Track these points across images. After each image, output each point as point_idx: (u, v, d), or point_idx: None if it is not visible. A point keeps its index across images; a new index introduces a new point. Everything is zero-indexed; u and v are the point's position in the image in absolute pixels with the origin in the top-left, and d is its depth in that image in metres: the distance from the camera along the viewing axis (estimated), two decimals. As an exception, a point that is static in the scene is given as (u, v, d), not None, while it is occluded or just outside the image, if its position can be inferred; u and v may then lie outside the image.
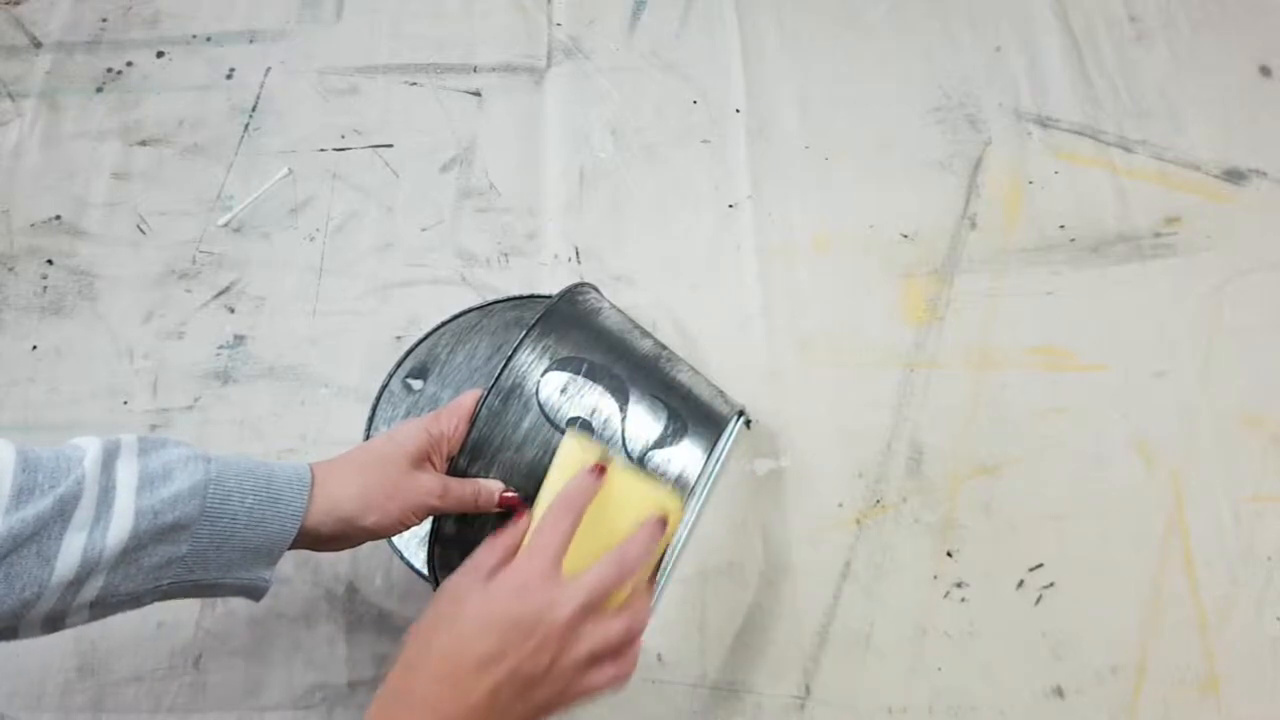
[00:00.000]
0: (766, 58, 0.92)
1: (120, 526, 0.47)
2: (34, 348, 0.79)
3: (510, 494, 0.58)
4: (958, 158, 0.87)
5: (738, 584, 0.71)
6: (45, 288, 0.82)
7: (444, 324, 0.75)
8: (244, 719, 0.67)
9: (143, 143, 0.88)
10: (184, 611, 0.70)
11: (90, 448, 0.49)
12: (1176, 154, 0.87)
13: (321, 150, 0.88)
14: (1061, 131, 0.88)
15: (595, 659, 0.49)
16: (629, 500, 0.54)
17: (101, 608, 0.49)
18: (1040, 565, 0.72)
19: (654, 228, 0.85)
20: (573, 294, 0.65)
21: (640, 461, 0.59)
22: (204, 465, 0.51)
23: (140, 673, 0.68)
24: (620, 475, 0.55)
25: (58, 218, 0.85)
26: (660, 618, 0.70)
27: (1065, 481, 0.74)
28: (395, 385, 0.74)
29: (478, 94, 0.91)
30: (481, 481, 0.59)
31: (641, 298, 0.81)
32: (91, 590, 0.48)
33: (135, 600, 0.50)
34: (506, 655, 0.47)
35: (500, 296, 0.78)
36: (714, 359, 0.79)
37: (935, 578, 0.71)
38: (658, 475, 0.59)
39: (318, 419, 0.77)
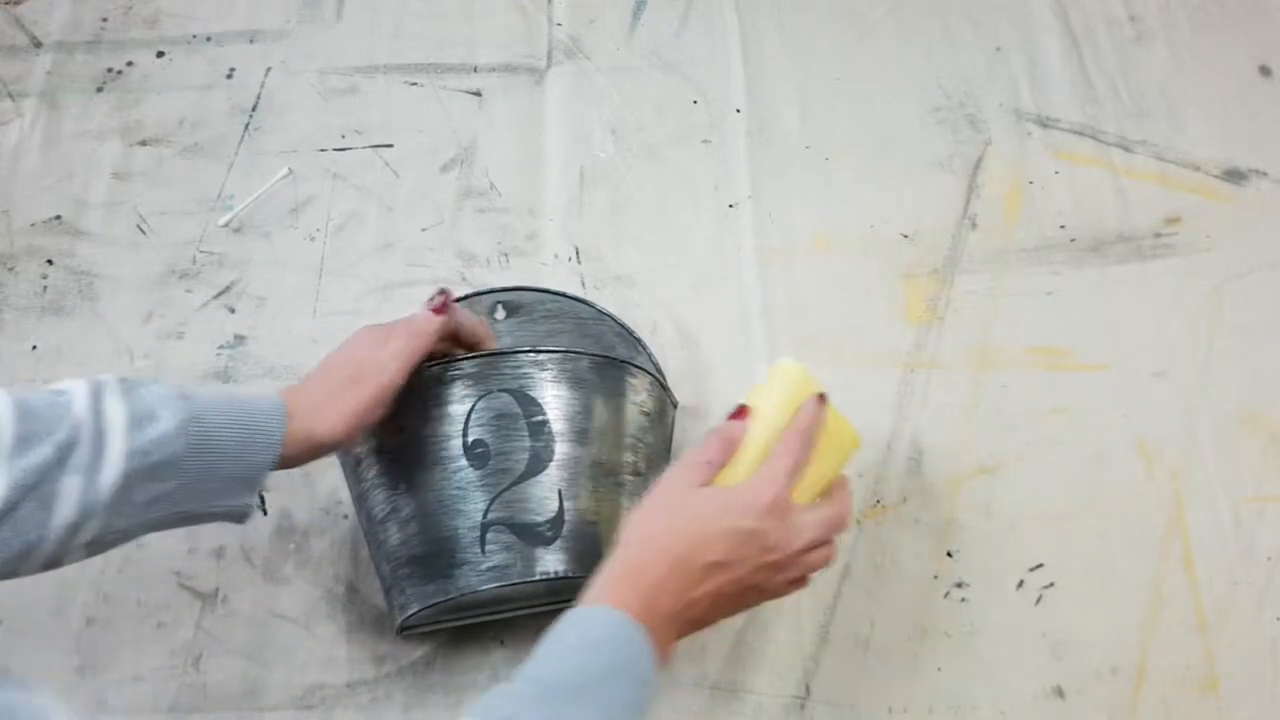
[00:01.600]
0: (766, 58, 0.92)
1: (113, 468, 0.49)
2: (34, 348, 0.79)
3: (435, 304, 0.62)
4: (958, 158, 0.87)
5: (738, 584, 0.71)
6: (45, 288, 0.82)
7: None
8: (244, 719, 0.67)
9: (143, 143, 0.88)
10: (184, 611, 0.70)
11: (78, 393, 0.50)
12: (1176, 154, 0.87)
13: (321, 150, 0.88)
14: (1061, 131, 0.88)
15: (799, 578, 0.55)
16: (833, 431, 0.58)
17: (98, 546, 0.52)
18: (1040, 565, 0.72)
19: (654, 228, 0.85)
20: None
21: None
22: (185, 404, 0.53)
23: (140, 673, 0.68)
24: (828, 409, 0.58)
25: (58, 218, 0.85)
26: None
27: (1065, 481, 0.74)
28: None
29: (478, 94, 0.91)
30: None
31: (641, 298, 0.81)
32: (89, 531, 0.50)
33: (126, 536, 0.53)
34: (734, 565, 0.51)
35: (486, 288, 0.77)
36: (714, 359, 0.79)
37: (935, 578, 0.71)
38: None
39: (318, 419, 0.76)
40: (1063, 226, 0.84)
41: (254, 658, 0.69)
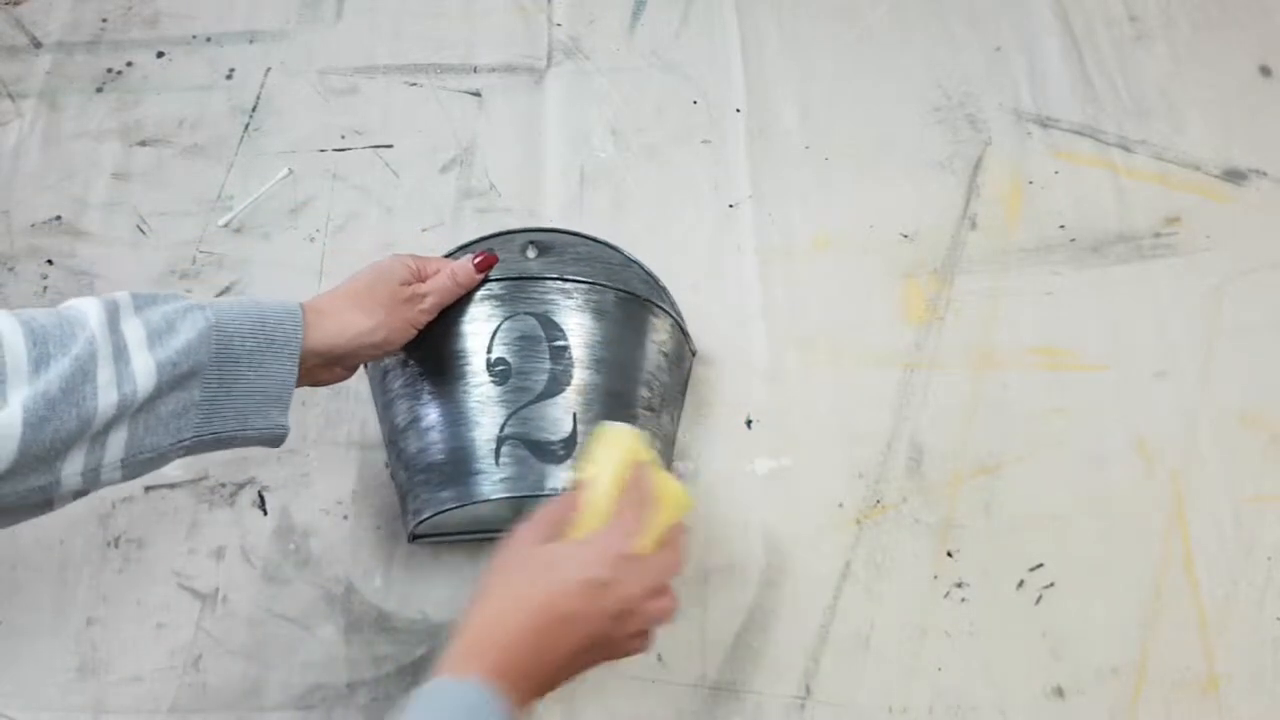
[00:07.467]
0: (766, 58, 0.92)
1: (145, 381, 0.50)
2: (34, 348, 0.79)
3: (480, 258, 0.65)
4: (958, 158, 0.87)
5: (738, 584, 0.71)
6: (45, 288, 0.82)
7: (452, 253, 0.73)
8: (244, 719, 0.67)
9: (143, 143, 0.88)
10: (184, 612, 0.70)
11: (90, 309, 0.51)
12: (1176, 154, 0.87)
13: (321, 150, 0.88)
14: (1061, 131, 0.88)
15: (644, 631, 0.53)
16: (665, 493, 0.56)
17: (131, 466, 0.51)
18: (1040, 565, 0.72)
19: (654, 228, 0.85)
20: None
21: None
22: (202, 313, 0.53)
23: (140, 673, 0.68)
24: (656, 470, 0.57)
25: (58, 218, 0.85)
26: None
27: (1065, 481, 0.74)
28: None
29: (478, 94, 0.91)
30: (450, 262, 0.65)
31: (641, 298, 0.81)
32: (118, 444, 0.50)
33: (161, 457, 0.53)
34: (588, 617, 0.50)
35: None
36: (714, 359, 0.79)
37: (935, 578, 0.71)
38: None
39: (318, 419, 0.76)
40: (1063, 226, 0.84)
41: (254, 658, 0.69)
